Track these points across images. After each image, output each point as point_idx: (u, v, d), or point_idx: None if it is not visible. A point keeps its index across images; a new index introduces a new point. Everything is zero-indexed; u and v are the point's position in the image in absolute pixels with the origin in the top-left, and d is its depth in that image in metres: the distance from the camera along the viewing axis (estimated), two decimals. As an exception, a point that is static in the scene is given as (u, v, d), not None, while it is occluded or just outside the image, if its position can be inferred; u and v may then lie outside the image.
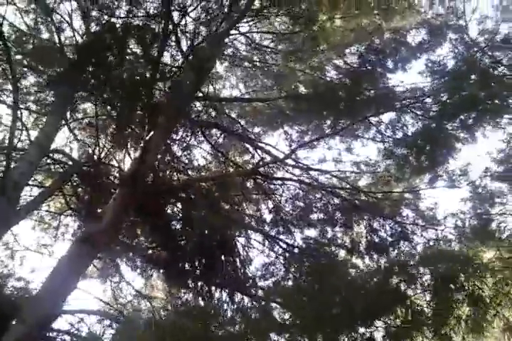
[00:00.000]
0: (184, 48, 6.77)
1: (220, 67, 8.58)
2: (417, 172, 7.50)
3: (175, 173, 7.56)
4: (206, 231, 7.74)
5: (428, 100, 7.42)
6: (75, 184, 8.31)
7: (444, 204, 8.07)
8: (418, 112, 7.48)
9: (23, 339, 4.71)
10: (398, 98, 7.57)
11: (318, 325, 5.73)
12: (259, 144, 8.17)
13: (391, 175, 7.83)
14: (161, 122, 6.38)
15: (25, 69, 7.13)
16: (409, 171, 7.54)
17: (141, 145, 6.10)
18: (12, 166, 6.18)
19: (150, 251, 7.49)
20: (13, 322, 5.06)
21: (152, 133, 6.07)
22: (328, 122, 7.90)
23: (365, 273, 7.20)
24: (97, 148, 8.72)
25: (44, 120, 7.47)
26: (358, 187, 7.95)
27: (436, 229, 7.75)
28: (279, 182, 7.85)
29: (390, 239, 7.97)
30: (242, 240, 8.40)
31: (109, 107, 6.99)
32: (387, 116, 7.72)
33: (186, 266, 7.82)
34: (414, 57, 7.79)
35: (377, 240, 8.04)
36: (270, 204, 8.36)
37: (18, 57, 6.94)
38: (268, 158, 8.18)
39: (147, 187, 6.41)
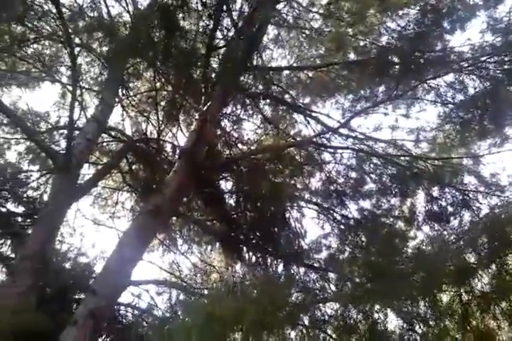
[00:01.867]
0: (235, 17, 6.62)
1: (269, 36, 8.36)
2: (480, 136, 7.16)
3: (228, 146, 7.54)
4: (260, 204, 7.75)
5: (490, 60, 6.99)
6: (130, 161, 8.49)
7: (508, 170, 7.66)
8: (480, 73, 7.07)
9: (96, 310, 4.84)
10: (457, 59, 7.18)
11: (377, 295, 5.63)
12: (312, 114, 8.02)
13: (452, 140, 7.50)
14: (216, 93, 6.31)
15: (80, 47, 7.23)
16: (472, 135, 7.20)
17: (199, 117, 6.06)
18: (72, 144, 6.33)
19: (208, 224, 7.55)
20: (86, 295, 5.26)
21: (208, 104, 6.01)
22: (383, 88, 7.59)
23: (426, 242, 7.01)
24: (151, 124, 8.87)
25: (99, 97, 7.57)
26: (416, 154, 7.67)
27: (500, 196, 7.44)
28: (333, 152, 7.66)
29: (450, 207, 7.74)
30: (295, 212, 8.38)
31: (163, 80, 6.97)
32: (447, 79, 7.36)
33: (241, 238, 7.88)
34: (473, 16, 7.32)
35: (437, 209, 7.83)
36: (324, 176, 8.26)
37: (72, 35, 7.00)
38: (320, 129, 8.05)
39: (205, 159, 6.40)
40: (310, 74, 8.14)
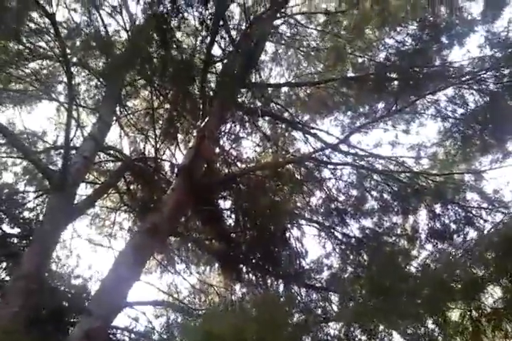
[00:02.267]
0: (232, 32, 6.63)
1: (267, 53, 8.37)
2: (482, 151, 7.08)
3: (226, 164, 7.45)
4: (259, 222, 7.61)
5: (489, 74, 6.97)
6: (128, 180, 8.39)
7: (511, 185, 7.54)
8: (479, 87, 7.04)
9: (91, 331, 4.66)
10: (456, 74, 7.16)
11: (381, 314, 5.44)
12: (311, 131, 7.95)
13: (453, 156, 7.42)
14: (214, 110, 6.25)
15: (77, 65, 7.21)
16: (473, 151, 7.12)
17: (197, 133, 5.98)
18: (69, 162, 6.23)
19: (206, 243, 7.40)
20: (81, 316, 5.08)
21: (206, 120, 5.94)
22: (382, 104, 7.56)
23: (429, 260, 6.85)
24: (149, 143, 8.80)
25: (96, 116, 7.50)
26: (417, 170, 7.57)
27: (504, 213, 7.31)
28: (334, 168, 7.57)
29: (453, 224, 7.59)
30: (296, 231, 8.24)
31: (161, 97, 6.94)
32: (447, 93, 7.34)
33: (241, 257, 7.71)
34: (471, 31, 7.33)
35: (439, 226, 7.68)
36: (324, 194, 8.14)
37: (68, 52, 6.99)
38: (320, 146, 7.97)
39: (203, 177, 6.30)
40: (308, 90, 8.12)
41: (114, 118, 7.70)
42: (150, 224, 5.51)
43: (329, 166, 7.59)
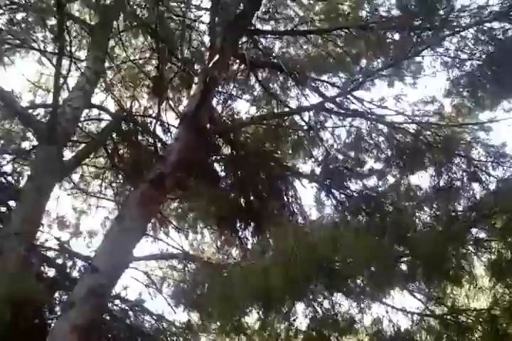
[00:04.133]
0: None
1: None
2: (494, 100, 6.79)
3: (227, 117, 7.01)
4: (257, 179, 7.24)
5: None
6: (115, 140, 7.90)
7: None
8: (489, 34, 6.69)
9: (98, 288, 4.23)
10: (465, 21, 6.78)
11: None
12: (313, 84, 7.51)
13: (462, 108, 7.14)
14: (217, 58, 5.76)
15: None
16: (484, 100, 6.83)
17: (202, 76, 5.49)
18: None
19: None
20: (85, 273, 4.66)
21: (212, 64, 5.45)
22: (390, 54, 7.15)
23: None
24: (137, 101, 8.30)
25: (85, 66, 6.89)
26: (425, 122, 7.23)
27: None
28: (341, 119, 7.16)
29: (460, 179, 7.35)
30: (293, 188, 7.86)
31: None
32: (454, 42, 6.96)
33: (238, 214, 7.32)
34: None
35: (445, 182, 7.44)
36: (325, 149, 7.75)
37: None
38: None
39: (207, 126, 5.85)
40: (312, 40, 7.58)
41: (102, 70, 7.14)
42: (155, 174, 5.04)
43: (334, 117, 7.17)
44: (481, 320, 4.62)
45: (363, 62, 7.62)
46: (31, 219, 5.05)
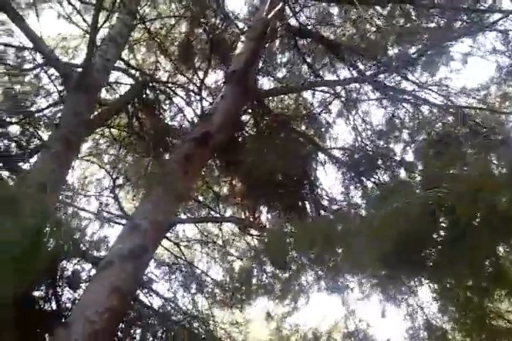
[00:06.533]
0: None
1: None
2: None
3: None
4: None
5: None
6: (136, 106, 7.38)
7: None
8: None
9: (135, 249, 3.76)
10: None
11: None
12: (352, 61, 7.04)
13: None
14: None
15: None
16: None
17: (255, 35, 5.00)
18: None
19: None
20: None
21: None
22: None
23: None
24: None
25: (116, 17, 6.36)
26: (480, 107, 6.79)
27: None
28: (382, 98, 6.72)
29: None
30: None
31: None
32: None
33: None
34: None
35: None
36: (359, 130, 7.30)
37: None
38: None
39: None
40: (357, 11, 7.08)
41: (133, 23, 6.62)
42: (201, 133, 4.56)
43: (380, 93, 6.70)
44: None
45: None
46: (57, 170, 4.50)
